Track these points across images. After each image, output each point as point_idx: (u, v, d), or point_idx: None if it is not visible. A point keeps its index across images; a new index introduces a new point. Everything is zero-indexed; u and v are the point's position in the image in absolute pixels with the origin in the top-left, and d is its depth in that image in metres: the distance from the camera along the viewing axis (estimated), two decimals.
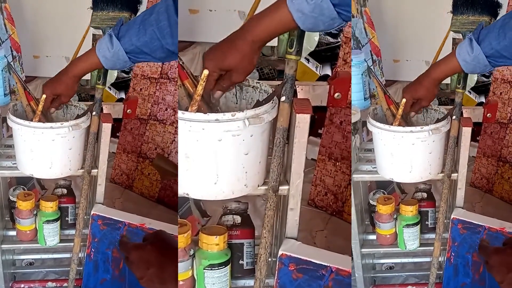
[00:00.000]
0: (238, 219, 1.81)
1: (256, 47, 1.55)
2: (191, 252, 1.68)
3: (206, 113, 1.50)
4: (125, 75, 2.74)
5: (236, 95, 1.77)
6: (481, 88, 2.72)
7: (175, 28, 1.67)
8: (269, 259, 1.73)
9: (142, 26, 1.73)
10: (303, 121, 1.62)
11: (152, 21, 1.70)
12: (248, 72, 1.60)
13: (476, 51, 1.80)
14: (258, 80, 2.47)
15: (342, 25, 1.48)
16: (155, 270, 1.63)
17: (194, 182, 1.59)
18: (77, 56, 1.97)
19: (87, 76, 2.53)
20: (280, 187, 1.68)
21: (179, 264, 1.64)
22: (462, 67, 1.88)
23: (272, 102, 1.60)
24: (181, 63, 1.67)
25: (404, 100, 2.10)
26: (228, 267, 1.71)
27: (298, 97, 1.67)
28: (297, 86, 1.65)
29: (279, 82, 1.65)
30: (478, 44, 1.79)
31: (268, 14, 1.51)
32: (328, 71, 2.52)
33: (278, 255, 1.69)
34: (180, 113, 1.51)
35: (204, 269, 1.67)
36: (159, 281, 1.63)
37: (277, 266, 1.70)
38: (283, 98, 1.62)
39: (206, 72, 1.57)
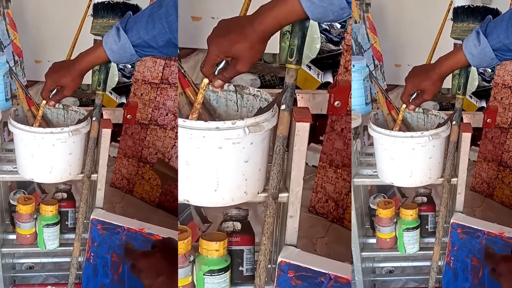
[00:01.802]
0: (238, 225, 1.82)
1: (264, 37, 1.50)
2: (191, 258, 1.68)
3: (206, 121, 1.51)
4: (126, 80, 2.74)
5: (237, 103, 1.78)
6: (482, 93, 2.72)
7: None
8: (269, 266, 1.74)
9: (150, 20, 1.70)
10: (302, 129, 1.63)
11: (162, 15, 1.67)
12: (254, 62, 1.53)
13: (483, 44, 1.77)
14: (259, 87, 2.48)
15: (351, 16, 1.45)
16: (165, 278, 1.63)
17: (194, 189, 1.60)
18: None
19: (88, 81, 2.54)
20: (279, 195, 1.68)
21: (179, 270, 1.65)
22: (468, 60, 1.84)
23: (272, 111, 1.61)
24: (182, 71, 1.67)
25: (404, 105, 2.10)
26: (228, 273, 1.72)
27: (298, 105, 1.67)
28: (297, 95, 1.66)
29: (280, 90, 1.66)
30: (485, 36, 1.76)
31: (277, 3, 1.47)
32: (329, 78, 2.52)
33: (278, 262, 1.69)
34: (181, 121, 1.51)
35: (204, 275, 1.68)
36: None
37: (276, 273, 1.70)
38: (283, 107, 1.63)
39: (206, 81, 1.57)
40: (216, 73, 1.56)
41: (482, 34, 1.76)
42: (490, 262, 1.89)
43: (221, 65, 1.54)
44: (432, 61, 2.08)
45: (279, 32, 2.23)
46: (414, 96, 2.04)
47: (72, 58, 2.07)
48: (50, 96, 2.01)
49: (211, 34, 1.54)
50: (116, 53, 1.80)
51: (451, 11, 2.37)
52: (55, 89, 2.00)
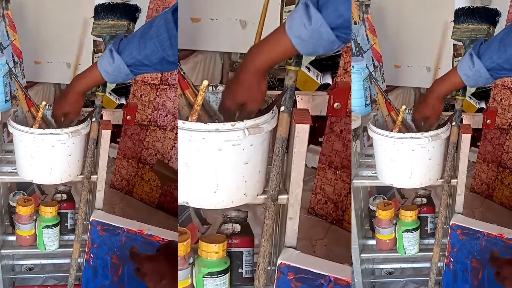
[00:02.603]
0: (237, 227, 1.82)
1: (260, 76, 1.57)
2: (191, 260, 1.68)
3: (206, 123, 1.51)
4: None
5: None
6: (481, 94, 2.72)
7: (175, 40, 1.68)
8: (268, 268, 1.74)
9: (142, 40, 1.75)
10: (302, 131, 1.63)
11: (153, 35, 1.71)
12: (259, 100, 1.61)
13: (477, 66, 1.83)
14: None
15: (342, 47, 1.49)
16: (168, 281, 1.63)
17: (194, 191, 1.60)
18: (79, 72, 1.98)
19: None
20: (279, 196, 1.69)
21: (179, 272, 1.65)
22: (464, 81, 1.91)
23: (272, 112, 1.61)
24: (182, 73, 1.67)
25: (403, 107, 2.11)
26: (227, 275, 1.72)
27: (298, 107, 1.67)
28: (296, 96, 1.66)
29: (279, 92, 1.66)
30: (479, 58, 1.82)
31: (269, 42, 1.53)
32: (328, 79, 2.52)
33: (277, 264, 1.69)
34: (180, 123, 1.51)
35: (203, 277, 1.68)
36: None
37: (276, 275, 1.70)
38: (282, 108, 1.63)
39: (205, 82, 1.57)
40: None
41: (475, 56, 1.82)
42: (494, 265, 1.89)
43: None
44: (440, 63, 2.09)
45: None
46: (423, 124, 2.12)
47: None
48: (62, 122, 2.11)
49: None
50: (111, 74, 1.87)
51: (452, 12, 2.37)
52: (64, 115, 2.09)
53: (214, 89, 1.79)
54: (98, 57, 2.45)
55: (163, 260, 1.66)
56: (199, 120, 1.66)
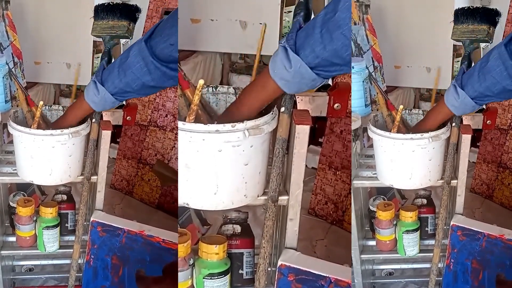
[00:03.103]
0: (238, 228, 1.81)
1: (253, 115, 1.61)
2: (191, 261, 1.68)
3: (206, 124, 1.50)
4: None
5: None
6: None
7: (152, 65, 1.73)
8: (269, 269, 1.73)
9: (121, 70, 1.82)
10: (302, 132, 1.63)
11: (130, 64, 1.78)
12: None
13: (462, 96, 1.92)
14: None
15: (324, 81, 1.53)
16: None
17: (194, 192, 1.60)
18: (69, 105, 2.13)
19: (88, 82, 2.54)
20: (279, 197, 1.68)
21: (179, 274, 1.64)
22: (453, 111, 2.01)
23: (272, 113, 1.60)
24: (182, 73, 1.67)
25: (401, 106, 2.11)
26: (228, 276, 1.72)
27: (298, 107, 1.67)
28: (296, 97, 1.66)
29: None
30: (462, 89, 1.91)
31: (257, 85, 1.60)
32: (328, 80, 2.52)
33: (278, 265, 1.69)
34: (180, 124, 1.51)
35: (203, 278, 1.67)
36: None
37: (276, 276, 1.70)
38: (282, 109, 1.63)
39: (201, 81, 1.57)
40: None
41: (458, 87, 1.92)
42: None
43: None
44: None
45: (278, 34, 2.24)
46: None
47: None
48: None
49: None
50: (98, 104, 1.97)
51: (452, 13, 2.37)
52: None
53: (214, 90, 1.78)
54: (97, 57, 2.47)
55: (169, 282, 1.67)
56: (199, 121, 1.66)
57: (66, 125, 2.09)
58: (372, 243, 2.43)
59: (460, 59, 2.47)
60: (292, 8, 2.35)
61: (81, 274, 2.31)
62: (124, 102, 2.73)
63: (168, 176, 2.85)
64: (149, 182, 2.92)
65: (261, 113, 1.61)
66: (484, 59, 1.85)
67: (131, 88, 1.83)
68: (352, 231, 2.33)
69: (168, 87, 2.36)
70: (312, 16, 1.76)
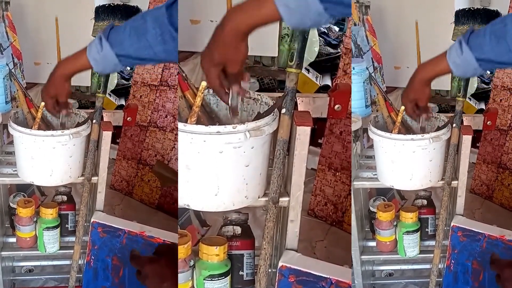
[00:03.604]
0: (238, 229, 1.81)
1: (239, 36, 1.47)
2: (191, 262, 1.68)
3: (207, 126, 1.50)
4: (125, 82, 2.74)
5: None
6: (481, 95, 2.72)
7: (168, 35, 1.63)
8: (269, 270, 1.73)
9: (133, 33, 1.70)
10: (303, 133, 1.63)
11: (144, 30, 1.66)
12: (239, 60, 1.52)
13: (466, 54, 1.75)
14: (258, 90, 2.48)
15: (331, 22, 1.42)
16: (170, 284, 1.63)
17: (194, 194, 1.60)
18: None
19: (88, 83, 2.54)
20: (280, 199, 1.68)
21: (179, 275, 1.64)
22: (452, 69, 1.82)
23: (273, 114, 1.60)
24: (184, 75, 1.67)
25: (402, 107, 2.11)
26: (228, 277, 1.72)
27: (299, 109, 1.66)
28: (297, 98, 1.65)
29: (279, 94, 1.65)
30: (468, 46, 1.75)
31: (252, 5, 1.44)
32: (328, 81, 2.52)
33: (278, 267, 1.69)
34: (181, 125, 1.51)
35: (204, 279, 1.67)
36: None
37: (277, 278, 1.70)
38: (283, 111, 1.62)
39: (204, 83, 1.57)
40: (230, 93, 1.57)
41: (464, 43, 1.75)
42: (495, 268, 1.88)
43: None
44: None
45: (277, 35, 2.24)
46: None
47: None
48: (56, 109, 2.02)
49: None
50: (99, 62, 1.79)
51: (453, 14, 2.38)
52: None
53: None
54: None
55: (164, 263, 1.65)
56: (199, 122, 1.66)
57: (58, 77, 1.91)
58: (372, 244, 2.43)
59: None
60: None
61: (81, 275, 2.32)
62: (124, 103, 2.73)
63: (168, 177, 2.84)
64: (149, 183, 2.92)
65: (259, 116, 1.61)
66: (498, 22, 1.71)
67: (138, 55, 1.71)
68: (352, 232, 2.33)
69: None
70: None
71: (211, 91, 1.77)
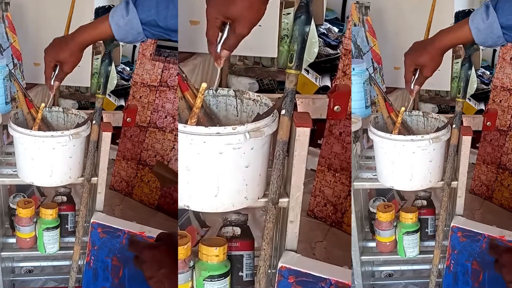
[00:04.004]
0: (238, 230, 1.81)
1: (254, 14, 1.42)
2: (191, 263, 1.68)
3: (207, 126, 1.51)
4: (125, 83, 2.74)
5: (236, 108, 1.77)
6: (480, 96, 2.72)
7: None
8: (269, 271, 1.74)
9: None
10: (303, 134, 1.63)
11: None
12: (254, 23, 1.44)
13: (492, 19, 1.65)
14: (257, 91, 2.48)
15: (505, 44, 1.39)
16: (167, 271, 1.61)
17: (194, 195, 1.60)
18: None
19: (87, 84, 2.54)
20: (280, 200, 1.68)
21: (179, 276, 1.64)
22: (473, 35, 1.72)
23: (273, 116, 1.61)
24: (183, 75, 1.67)
25: (402, 108, 2.11)
26: (228, 278, 1.72)
27: (298, 110, 1.66)
28: (297, 99, 1.66)
29: (279, 95, 1.65)
30: (495, 11, 1.65)
31: None
32: (327, 82, 2.52)
33: (278, 267, 1.69)
34: (181, 126, 1.51)
35: (203, 280, 1.68)
36: (170, 282, 1.61)
37: (276, 278, 1.70)
38: (283, 112, 1.63)
39: (204, 85, 1.57)
40: (220, 43, 1.49)
41: (492, 7, 1.66)
42: (494, 253, 1.86)
43: (225, 35, 1.48)
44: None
45: (277, 36, 2.24)
46: (415, 76, 1.97)
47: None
48: (53, 77, 1.92)
49: None
50: (122, 28, 1.70)
51: (452, 15, 2.37)
52: (57, 68, 1.90)
53: (214, 92, 1.78)
54: (97, 58, 2.47)
55: (163, 249, 1.64)
56: (199, 123, 1.66)
57: (75, 43, 1.80)
58: (372, 244, 2.43)
59: (459, 60, 2.46)
60: (291, 10, 2.35)
61: (81, 276, 2.32)
62: (124, 104, 2.73)
63: (168, 178, 2.85)
64: (148, 183, 2.92)
65: (259, 117, 1.62)
66: None
67: (166, 24, 1.63)
68: (352, 233, 2.33)
69: None
70: (312, 20, 1.72)
71: (210, 91, 1.77)
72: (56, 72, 1.91)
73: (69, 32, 2.09)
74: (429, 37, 2.17)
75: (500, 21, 1.65)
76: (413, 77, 1.98)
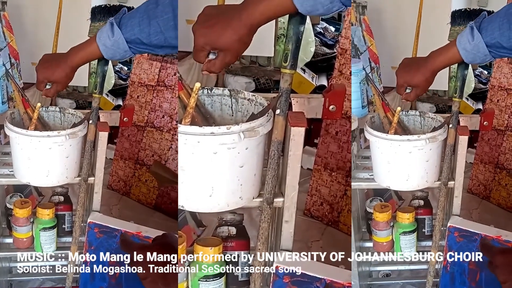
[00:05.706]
0: (233, 230, 1.81)
1: (252, 30, 1.47)
2: (187, 263, 1.68)
3: (201, 126, 1.51)
4: (123, 82, 2.74)
5: (231, 107, 1.77)
6: (478, 95, 2.72)
7: (177, 21, 1.62)
8: (264, 271, 1.73)
9: (146, 17, 1.67)
10: (297, 134, 1.63)
11: (157, 13, 1.65)
12: (241, 53, 1.51)
13: (477, 39, 1.74)
14: (254, 90, 2.48)
15: (342, 9, 1.41)
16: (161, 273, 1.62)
17: (189, 195, 1.60)
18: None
19: (85, 83, 2.54)
20: (275, 199, 1.68)
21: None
22: (462, 56, 1.81)
23: (267, 115, 1.60)
24: (178, 75, 1.67)
25: (399, 108, 2.10)
26: (223, 278, 1.72)
27: (293, 109, 1.67)
28: (292, 99, 1.66)
29: (275, 94, 1.65)
30: (479, 32, 1.73)
31: None
32: (324, 81, 2.52)
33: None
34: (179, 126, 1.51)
35: (199, 280, 1.68)
36: (163, 282, 1.61)
37: (271, 278, 1.70)
38: (277, 111, 1.62)
39: (198, 84, 1.57)
40: (206, 63, 1.51)
41: (476, 29, 1.74)
42: (487, 254, 1.86)
43: (212, 58, 1.50)
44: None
45: (273, 35, 2.23)
46: (407, 91, 2.00)
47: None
48: (45, 90, 1.95)
49: (196, 22, 1.50)
50: (109, 48, 1.78)
51: (449, 14, 2.37)
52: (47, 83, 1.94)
53: (209, 92, 1.78)
54: None
55: (155, 250, 1.64)
56: (194, 123, 1.66)
57: (67, 66, 1.88)
58: (369, 244, 2.42)
59: None
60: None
61: (78, 276, 2.31)
62: (121, 103, 2.73)
63: (165, 177, 2.85)
64: (146, 183, 2.92)
65: (253, 116, 1.61)
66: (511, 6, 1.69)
67: (149, 41, 1.68)
68: (352, 234, 2.33)
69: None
70: (309, 19, 1.73)
71: (205, 91, 1.77)
72: (48, 88, 1.95)
73: (59, 31, 2.11)
74: (418, 39, 2.20)
75: (485, 40, 1.73)
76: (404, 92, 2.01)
